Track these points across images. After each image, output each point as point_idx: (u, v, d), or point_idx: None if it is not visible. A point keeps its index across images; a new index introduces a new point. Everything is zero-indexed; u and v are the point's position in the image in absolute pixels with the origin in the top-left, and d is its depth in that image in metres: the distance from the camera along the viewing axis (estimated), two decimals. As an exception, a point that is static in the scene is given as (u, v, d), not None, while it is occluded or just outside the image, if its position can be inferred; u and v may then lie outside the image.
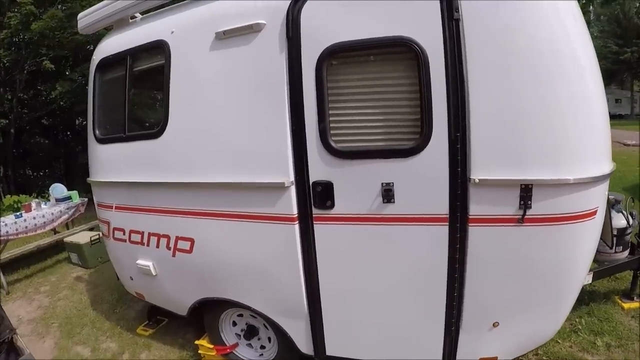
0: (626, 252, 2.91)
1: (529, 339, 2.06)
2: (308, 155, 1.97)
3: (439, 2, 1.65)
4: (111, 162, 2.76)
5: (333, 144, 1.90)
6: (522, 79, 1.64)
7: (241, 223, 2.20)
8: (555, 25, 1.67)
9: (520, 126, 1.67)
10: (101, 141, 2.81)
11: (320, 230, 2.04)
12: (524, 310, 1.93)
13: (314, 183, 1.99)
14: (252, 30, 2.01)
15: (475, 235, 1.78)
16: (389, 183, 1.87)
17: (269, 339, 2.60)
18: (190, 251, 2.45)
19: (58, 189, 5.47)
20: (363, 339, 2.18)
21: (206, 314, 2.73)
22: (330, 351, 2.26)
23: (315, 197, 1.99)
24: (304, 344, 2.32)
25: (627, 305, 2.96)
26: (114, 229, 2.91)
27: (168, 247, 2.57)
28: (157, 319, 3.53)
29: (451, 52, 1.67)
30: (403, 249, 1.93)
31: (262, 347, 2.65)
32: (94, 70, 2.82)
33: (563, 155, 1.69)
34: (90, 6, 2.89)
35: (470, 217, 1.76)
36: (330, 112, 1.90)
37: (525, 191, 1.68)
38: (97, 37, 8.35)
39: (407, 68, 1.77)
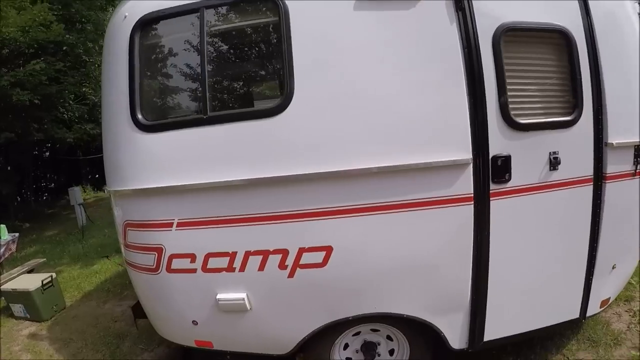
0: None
1: (626, 276, 1.87)
2: (489, 128, 1.35)
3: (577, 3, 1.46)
4: (172, 157, 1.37)
5: (513, 117, 1.36)
6: (632, 59, 1.51)
7: (402, 214, 1.34)
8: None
9: (635, 97, 1.53)
10: (151, 129, 1.38)
11: (496, 207, 1.39)
12: (630, 250, 1.75)
13: (494, 157, 1.36)
14: (414, -7, 1.35)
15: (608, 190, 1.54)
16: (556, 152, 1.44)
17: (391, 351, 1.68)
18: (323, 264, 1.37)
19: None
20: (519, 312, 1.58)
21: (315, 344, 1.57)
22: (488, 336, 1.55)
23: (493, 172, 1.36)
24: (458, 339, 1.55)
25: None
26: (173, 256, 1.43)
27: (283, 266, 1.39)
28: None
29: (590, 42, 1.46)
30: (561, 213, 1.51)
31: None
32: (131, 31, 1.40)
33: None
34: None
35: (606, 175, 1.52)
36: (508, 86, 1.36)
37: (638, 150, 1.56)
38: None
39: (561, 52, 1.45)
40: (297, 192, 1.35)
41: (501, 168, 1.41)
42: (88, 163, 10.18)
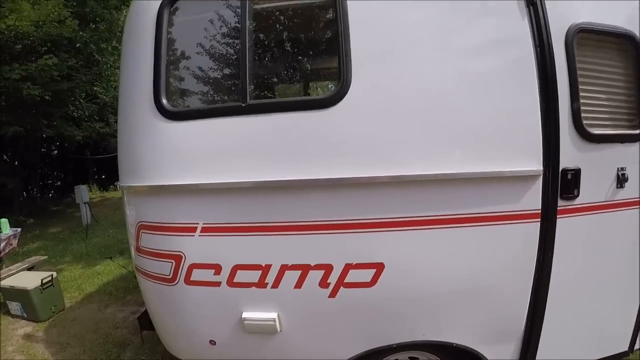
0: None
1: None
2: (560, 138, 1.13)
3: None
4: (200, 149, 1.11)
5: (585, 127, 1.15)
6: None
7: (464, 230, 1.10)
8: None
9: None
10: (177, 116, 1.11)
11: (562, 226, 1.17)
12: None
13: (564, 170, 1.14)
14: (481, -16, 1.11)
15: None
16: (623, 167, 1.22)
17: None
18: (371, 284, 1.10)
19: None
20: (571, 343, 1.35)
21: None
22: (539, 368, 1.33)
23: (562, 187, 1.14)
24: (507, 371, 1.33)
25: None
26: (194, 266, 1.15)
27: (324, 284, 1.11)
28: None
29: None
30: (622, 235, 1.30)
31: None
32: (159, 6, 1.14)
33: None
34: None
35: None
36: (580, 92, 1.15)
37: None
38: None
39: (627, 59, 1.26)
40: (347, 199, 1.08)
41: (570, 182, 1.19)
42: (95, 163, 9.83)
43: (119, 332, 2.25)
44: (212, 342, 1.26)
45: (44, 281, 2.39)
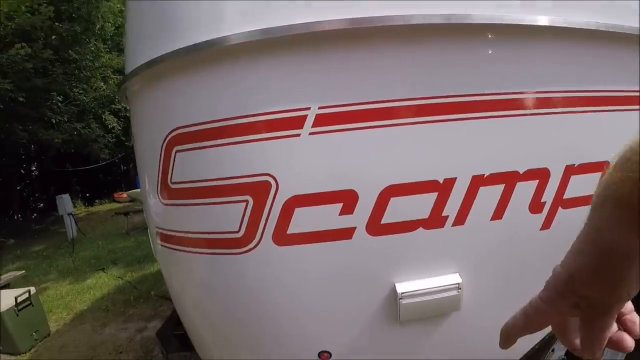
0: None
1: None
2: None
3: None
4: None
5: None
6: None
7: None
8: None
9: None
10: None
11: None
12: None
13: None
14: None
15: None
16: None
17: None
18: None
19: None
20: None
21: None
22: None
23: None
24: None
25: None
26: (296, 202, 0.45)
27: (536, 207, 0.52)
28: None
29: None
30: None
31: None
32: None
33: None
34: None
35: None
36: None
37: None
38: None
39: None
40: (586, 60, 0.56)
41: None
42: (78, 177, 7.89)
43: (124, 357, 1.40)
44: (326, 354, 0.62)
45: (19, 300, 1.46)
